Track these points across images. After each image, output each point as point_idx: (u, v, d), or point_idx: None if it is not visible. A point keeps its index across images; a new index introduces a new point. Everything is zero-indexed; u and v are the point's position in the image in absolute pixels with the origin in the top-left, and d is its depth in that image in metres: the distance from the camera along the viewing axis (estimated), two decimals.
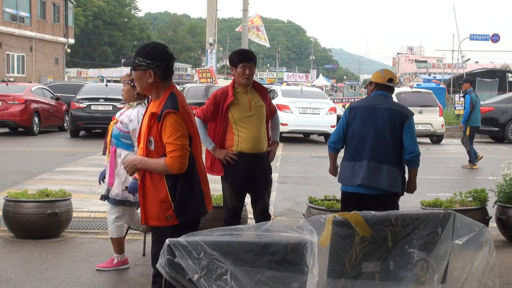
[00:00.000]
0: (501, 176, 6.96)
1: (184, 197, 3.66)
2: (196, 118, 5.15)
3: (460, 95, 28.31)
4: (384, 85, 5.13)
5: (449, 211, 3.51)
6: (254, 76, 5.29)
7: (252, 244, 3.13)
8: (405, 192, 5.25)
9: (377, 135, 4.96)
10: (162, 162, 3.61)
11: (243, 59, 5.19)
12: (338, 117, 21.03)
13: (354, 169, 5.01)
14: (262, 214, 5.34)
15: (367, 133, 4.99)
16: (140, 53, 3.70)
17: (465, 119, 13.07)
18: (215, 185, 10.04)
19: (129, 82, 5.32)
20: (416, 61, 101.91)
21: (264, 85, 5.76)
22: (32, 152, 14.88)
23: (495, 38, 36.29)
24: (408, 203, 8.13)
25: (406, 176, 5.19)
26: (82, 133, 19.61)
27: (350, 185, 5.07)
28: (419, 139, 12.25)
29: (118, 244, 5.57)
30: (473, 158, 13.11)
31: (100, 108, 18.72)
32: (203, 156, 4.08)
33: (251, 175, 5.23)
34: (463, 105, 13.04)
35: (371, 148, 4.96)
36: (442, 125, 19.92)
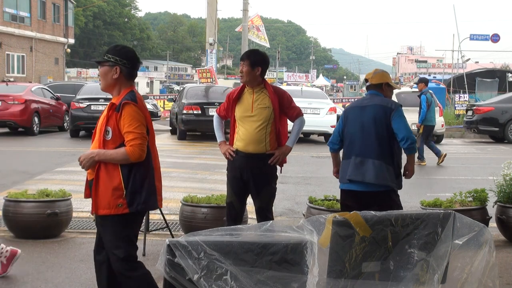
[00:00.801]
0: (501, 176, 6.96)
1: (136, 186, 3.78)
2: (214, 114, 5.63)
3: (459, 95, 28.33)
4: (374, 85, 5.29)
5: (449, 211, 3.52)
6: None
7: (252, 244, 3.13)
8: (399, 192, 5.28)
9: (363, 132, 5.12)
10: (122, 151, 3.75)
11: (240, 58, 5.38)
12: (338, 117, 21.10)
13: (344, 167, 5.22)
14: (258, 214, 5.37)
15: (355, 132, 5.17)
16: (110, 51, 3.95)
17: (422, 118, 13.44)
18: (215, 185, 10.11)
19: None
20: (416, 61, 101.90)
21: None
22: (32, 152, 14.88)
23: (495, 38, 36.28)
24: (408, 203, 8.12)
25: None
26: (82, 133, 19.62)
27: (342, 183, 5.24)
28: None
29: None
30: (422, 155, 13.61)
31: (100, 108, 18.69)
32: None
33: (246, 174, 5.27)
34: (420, 105, 13.62)
35: (358, 145, 5.13)
36: (442, 125, 19.91)
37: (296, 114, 5.45)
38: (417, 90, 16.88)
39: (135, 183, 3.78)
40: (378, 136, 5.07)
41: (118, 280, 3.92)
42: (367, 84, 5.39)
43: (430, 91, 13.79)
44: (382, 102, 5.19)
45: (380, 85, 5.29)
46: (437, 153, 13.74)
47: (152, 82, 70.08)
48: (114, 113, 3.79)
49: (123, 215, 3.81)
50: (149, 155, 3.84)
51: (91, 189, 3.96)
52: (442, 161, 13.67)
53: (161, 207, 4.04)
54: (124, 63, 3.89)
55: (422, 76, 16.42)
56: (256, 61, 5.25)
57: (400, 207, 5.11)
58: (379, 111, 5.11)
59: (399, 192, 5.28)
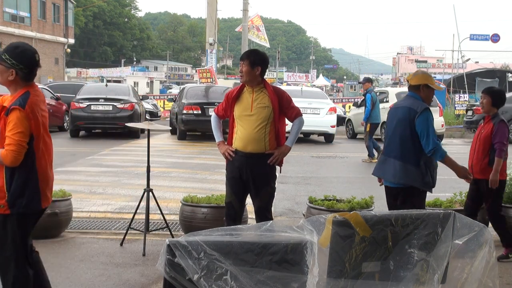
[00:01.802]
0: None
1: (16, 190, 3.87)
2: (212, 113, 5.63)
3: (459, 95, 28.33)
4: (412, 86, 5.42)
5: (449, 211, 3.51)
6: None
7: (252, 244, 3.13)
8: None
9: (392, 132, 5.34)
10: (0, 153, 3.84)
11: (240, 58, 5.39)
12: (338, 117, 21.08)
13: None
14: (258, 214, 5.37)
15: (387, 131, 5.47)
16: (9, 52, 3.88)
17: (366, 116, 13.98)
18: (215, 185, 10.11)
19: None
20: (416, 61, 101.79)
21: None
22: None
23: (495, 38, 36.28)
24: None
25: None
26: (82, 133, 19.62)
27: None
28: None
29: None
30: (372, 152, 14.00)
31: (100, 108, 18.72)
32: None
33: (245, 174, 5.26)
34: (365, 103, 14.27)
35: (386, 144, 5.44)
36: (442, 125, 19.92)
37: (295, 114, 5.46)
38: None
39: (16, 186, 3.86)
40: (401, 137, 5.23)
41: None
42: (407, 85, 5.54)
43: (375, 90, 14.28)
44: (411, 104, 5.28)
45: (418, 87, 5.35)
46: (371, 154, 14.00)
47: (152, 82, 70.02)
48: (4, 116, 3.85)
49: (5, 214, 3.91)
50: (32, 158, 3.89)
51: None
52: (369, 162, 13.91)
53: (48, 205, 4.16)
54: (21, 68, 3.86)
55: (366, 77, 16.82)
56: (256, 60, 5.25)
57: (421, 206, 5.20)
58: (405, 113, 5.25)
59: None
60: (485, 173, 5.96)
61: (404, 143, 5.20)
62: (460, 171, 5.37)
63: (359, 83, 17.02)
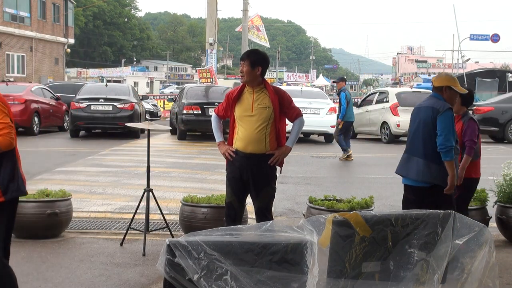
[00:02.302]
0: (501, 176, 6.96)
1: (7, 175, 3.96)
2: (213, 113, 5.61)
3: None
4: (435, 87, 5.51)
5: (449, 211, 3.51)
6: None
7: (252, 244, 3.13)
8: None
9: (415, 131, 5.43)
10: None
11: (240, 58, 5.39)
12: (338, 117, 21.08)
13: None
14: (258, 215, 5.36)
15: (410, 130, 5.53)
16: None
17: (342, 114, 14.32)
18: (215, 185, 10.11)
19: None
20: (416, 61, 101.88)
21: None
22: (32, 152, 14.86)
23: (495, 38, 36.29)
24: None
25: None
26: (82, 133, 19.61)
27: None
28: None
29: None
30: (344, 146, 14.44)
31: (100, 108, 18.71)
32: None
33: (246, 174, 5.26)
34: (339, 102, 14.78)
35: (408, 143, 5.51)
36: None
37: (296, 114, 5.45)
38: (417, 90, 16.92)
39: (6, 171, 3.97)
40: (424, 136, 5.32)
41: None
42: (432, 86, 5.61)
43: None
44: (434, 104, 5.35)
45: (441, 88, 5.43)
46: (345, 149, 14.34)
47: (152, 82, 69.99)
48: None
49: (2, 203, 3.96)
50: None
51: None
52: (345, 160, 14.22)
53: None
54: None
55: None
56: (256, 60, 5.24)
57: (450, 204, 5.21)
58: (428, 113, 5.33)
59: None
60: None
61: (427, 142, 5.30)
62: (452, 181, 5.30)
63: (333, 82, 17.43)
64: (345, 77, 16.56)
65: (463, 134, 5.90)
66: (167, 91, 49.16)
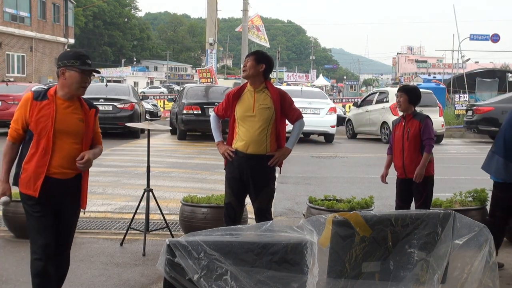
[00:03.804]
0: None
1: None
2: (212, 113, 5.58)
3: (459, 95, 28.33)
4: None
5: (449, 211, 3.51)
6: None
7: (252, 244, 3.13)
8: None
9: (500, 131, 5.73)
10: (98, 149, 4.41)
11: (246, 56, 5.41)
12: (338, 117, 21.09)
13: None
14: (257, 215, 5.35)
15: (500, 130, 5.81)
16: None
17: None
18: (215, 185, 10.11)
19: None
20: (416, 61, 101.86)
21: None
22: None
23: (495, 38, 36.27)
24: None
25: None
26: None
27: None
28: None
29: None
30: None
31: (100, 108, 18.70)
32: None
33: (245, 175, 5.25)
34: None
35: (495, 142, 5.80)
36: (442, 125, 19.92)
37: (297, 116, 5.43)
38: None
39: None
40: (506, 136, 5.60)
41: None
42: None
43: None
44: None
45: None
46: None
47: (152, 82, 70.08)
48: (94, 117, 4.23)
49: None
50: None
51: (77, 187, 4.29)
52: None
53: None
54: None
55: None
56: (262, 59, 5.25)
57: None
58: (511, 114, 5.66)
59: None
60: None
61: (507, 142, 5.56)
62: None
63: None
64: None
65: (421, 133, 5.92)
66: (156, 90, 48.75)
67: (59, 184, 4.03)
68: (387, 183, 6.28)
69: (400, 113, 6.19)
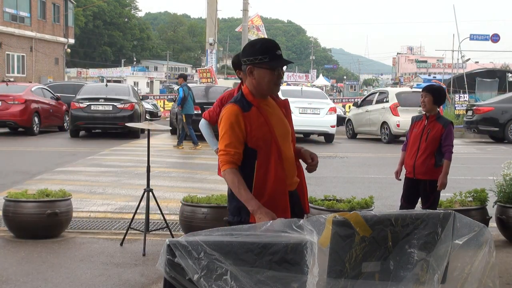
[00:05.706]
0: (501, 176, 6.96)
1: None
2: (202, 119, 5.40)
3: (459, 95, 28.33)
4: None
5: (449, 211, 3.51)
6: None
7: (252, 244, 3.12)
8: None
9: None
10: None
11: None
12: (338, 117, 21.09)
13: None
14: None
15: None
16: None
17: (178, 104, 16.25)
18: (215, 185, 10.10)
19: None
20: (416, 61, 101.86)
21: None
22: (32, 152, 14.88)
23: (495, 38, 36.28)
24: None
25: None
26: (82, 133, 19.61)
27: None
28: None
29: None
30: (181, 140, 16.29)
31: (100, 108, 18.72)
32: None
33: None
34: (177, 96, 16.72)
35: None
36: None
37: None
38: (417, 90, 16.86)
39: None
40: None
41: None
42: None
43: (188, 85, 16.64)
44: None
45: None
46: (181, 140, 16.28)
47: (152, 82, 70.03)
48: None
49: None
50: None
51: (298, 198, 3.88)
52: (194, 149, 15.77)
53: None
54: None
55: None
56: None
57: None
58: None
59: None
60: (430, 174, 5.87)
61: None
62: None
63: (176, 78, 20.41)
64: (185, 74, 18.93)
65: (443, 138, 5.78)
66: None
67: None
68: (400, 179, 6.20)
69: (421, 113, 6.10)
